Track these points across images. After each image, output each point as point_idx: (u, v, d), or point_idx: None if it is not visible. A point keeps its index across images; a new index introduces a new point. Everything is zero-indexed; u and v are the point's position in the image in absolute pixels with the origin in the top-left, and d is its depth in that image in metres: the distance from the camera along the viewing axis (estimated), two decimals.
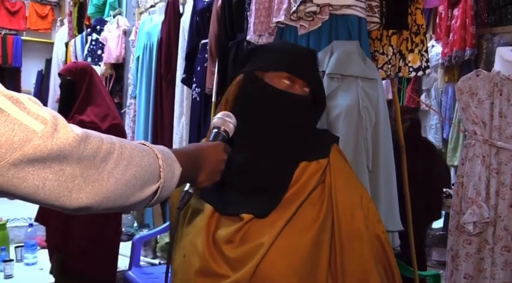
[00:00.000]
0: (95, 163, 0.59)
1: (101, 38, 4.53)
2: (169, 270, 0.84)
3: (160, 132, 3.43)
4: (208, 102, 2.74)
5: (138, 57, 3.73)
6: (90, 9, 5.06)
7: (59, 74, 2.26)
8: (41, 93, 6.93)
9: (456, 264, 2.10)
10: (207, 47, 2.70)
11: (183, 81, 3.01)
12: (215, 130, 0.89)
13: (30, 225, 3.68)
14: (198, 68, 2.84)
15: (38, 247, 3.55)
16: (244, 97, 0.98)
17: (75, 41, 5.42)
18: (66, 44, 5.80)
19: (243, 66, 1.03)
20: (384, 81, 1.93)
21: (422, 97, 4.05)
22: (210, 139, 0.88)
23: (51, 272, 2.25)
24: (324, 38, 1.73)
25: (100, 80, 2.32)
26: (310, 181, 0.95)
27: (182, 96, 3.10)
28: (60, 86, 2.26)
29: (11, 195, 0.55)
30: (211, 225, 0.92)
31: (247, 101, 0.98)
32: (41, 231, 3.30)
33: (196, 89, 2.85)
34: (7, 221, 3.76)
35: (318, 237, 0.90)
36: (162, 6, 3.60)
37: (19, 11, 7.43)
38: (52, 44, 6.83)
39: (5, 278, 3.16)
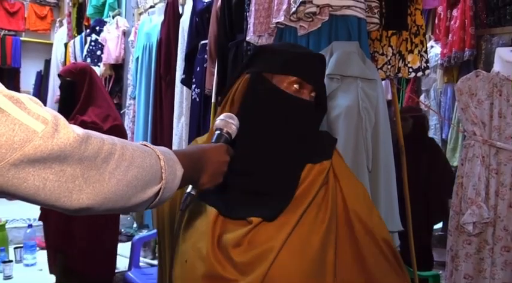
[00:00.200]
0: (95, 163, 0.59)
1: (100, 39, 4.53)
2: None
3: (160, 133, 3.43)
4: (207, 103, 2.74)
5: (138, 57, 3.73)
6: (89, 10, 5.06)
7: (59, 75, 2.26)
8: (40, 93, 6.92)
9: (456, 264, 2.10)
10: (207, 48, 2.70)
11: (183, 82, 3.01)
12: (217, 132, 0.88)
13: (30, 226, 3.67)
14: (198, 69, 2.84)
15: (37, 248, 3.55)
16: (250, 98, 0.97)
17: (74, 42, 5.42)
18: (65, 45, 5.80)
19: (248, 66, 1.00)
20: (383, 82, 1.93)
21: (422, 97, 4.06)
22: (213, 140, 0.87)
23: (52, 272, 2.25)
24: (324, 38, 1.73)
25: (100, 81, 2.32)
26: (315, 183, 0.94)
27: (182, 97, 3.10)
28: (60, 87, 2.26)
29: (12, 195, 0.54)
30: (216, 228, 0.90)
31: (253, 102, 0.96)
32: (40, 232, 3.30)
33: (196, 90, 2.85)
34: (6, 222, 3.76)
35: (325, 238, 0.89)
36: (161, 6, 3.60)
37: (18, 12, 7.43)
38: (51, 44, 6.83)
39: (5, 279, 3.16)
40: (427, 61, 1.93)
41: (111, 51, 4.31)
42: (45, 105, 0.57)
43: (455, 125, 3.49)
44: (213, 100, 2.60)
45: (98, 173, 0.59)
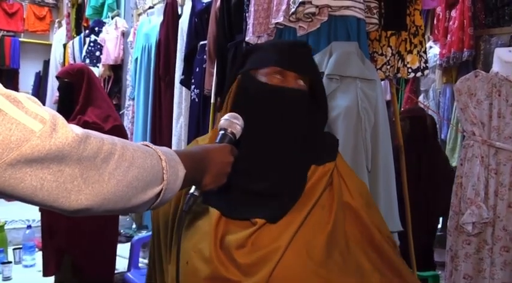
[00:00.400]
0: (95, 164, 0.58)
1: (99, 40, 4.52)
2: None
3: (159, 134, 3.43)
4: (207, 104, 2.74)
5: (137, 58, 3.73)
6: (88, 11, 5.06)
7: (57, 77, 2.27)
8: (38, 94, 6.91)
9: (455, 264, 2.10)
10: (206, 48, 2.70)
11: (182, 83, 3.01)
12: (222, 132, 0.87)
13: (29, 227, 3.67)
14: (197, 69, 2.84)
15: (36, 249, 3.54)
16: (242, 97, 0.98)
17: (73, 43, 5.41)
18: (64, 46, 5.80)
19: (240, 67, 1.02)
20: (382, 82, 1.93)
21: (421, 98, 4.06)
22: (217, 141, 0.86)
23: (48, 275, 2.24)
24: (323, 39, 1.73)
25: (98, 81, 2.33)
26: (319, 184, 0.94)
27: (181, 98, 3.10)
28: (59, 89, 2.26)
29: (9, 196, 0.53)
30: (219, 229, 0.89)
31: (244, 101, 0.98)
32: (39, 233, 3.29)
33: (195, 90, 2.85)
34: (5, 223, 3.75)
35: (331, 239, 0.89)
36: (160, 7, 3.60)
37: (17, 13, 7.42)
38: (50, 45, 6.83)
39: (4, 280, 3.15)
40: (426, 61, 1.93)
41: (110, 51, 4.31)
42: (44, 106, 0.56)
43: (454, 125, 3.49)
44: (212, 100, 2.60)
45: (98, 174, 0.58)
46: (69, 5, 6.00)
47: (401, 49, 1.92)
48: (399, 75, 1.94)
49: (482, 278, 2.02)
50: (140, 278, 2.63)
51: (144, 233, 3.55)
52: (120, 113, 4.13)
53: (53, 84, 5.72)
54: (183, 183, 0.71)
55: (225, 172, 0.81)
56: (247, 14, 2.09)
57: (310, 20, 1.72)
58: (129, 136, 3.80)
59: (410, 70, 1.92)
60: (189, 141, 2.93)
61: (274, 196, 0.92)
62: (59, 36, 6.30)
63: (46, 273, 2.24)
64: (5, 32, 7.25)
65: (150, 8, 3.89)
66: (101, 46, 4.47)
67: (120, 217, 3.01)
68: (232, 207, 0.91)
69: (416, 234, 2.08)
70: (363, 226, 0.95)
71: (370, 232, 0.95)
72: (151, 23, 3.66)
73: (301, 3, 1.67)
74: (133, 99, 3.88)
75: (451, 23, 3.67)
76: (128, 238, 3.60)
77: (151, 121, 3.50)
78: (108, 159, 0.59)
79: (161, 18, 3.44)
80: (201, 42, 2.82)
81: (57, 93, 2.43)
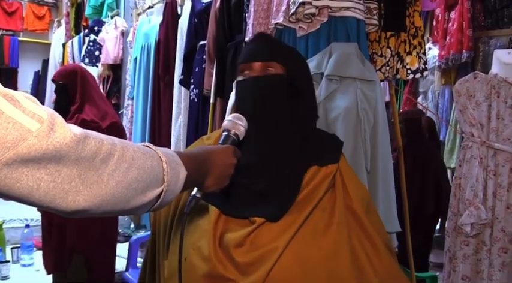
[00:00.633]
0: (93, 164, 0.57)
1: (98, 39, 4.52)
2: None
3: (158, 133, 3.42)
4: (206, 103, 2.73)
5: (136, 58, 3.72)
6: (87, 10, 5.05)
7: (52, 80, 2.30)
8: (37, 94, 6.91)
9: (454, 266, 2.10)
10: (205, 48, 2.70)
11: (181, 82, 3.01)
12: (225, 133, 0.87)
13: (27, 226, 3.66)
14: (196, 69, 2.84)
15: (35, 249, 3.53)
16: (236, 101, 1.02)
17: (72, 42, 5.41)
18: (64, 45, 5.79)
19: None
20: (381, 83, 1.93)
21: (419, 99, 4.07)
22: (220, 142, 0.86)
23: (51, 273, 2.24)
24: (323, 39, 1.73)
25: (93, 79, 2.33)
26: (321, 186, 0.94)
27: (180, 97, 3.10)
28: (55, 91, 2.29)
29: (4, 196, 0.53)
30: (218, 227, 0.89)
31: (236, 103, 1.01)
32: (37, 232, 3.29)
33: (194, 90, 2.85)
34: (3, 222, 3.74)
35: (335, 243, 0.88)
36: (160, 7, 3.59)
37: (16, 12, 7.41)
38: (49, 44, 6.82)
39: (2, 279, 3.14)
40: (425, 63, 1.94)
41: (110, 51, 4.31)
42: (42, 105, 0.56)
43: (453, 126, 3.49)
44: (211, 100, 2.60)
45: (96, 174, 0.57)
46: (68, 4, 5.99)
47: (401, 50, 1.92)
48: (398, 76, 1.94)
49: (481, 279, 2.02)
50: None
51: (142, 233, 3.54)
52: (119, 112, 4.13)
53: (51, 84, 5.68)
54: (184, 185, 0.70)
55: (227, 174, 0.80)
56: (247, 14, 2.09)
57: (310, 20, 1.72)
58: (128, 136, 3.80)
59: (409, 71, 1.92)
60: (187, 141, 2.93)
61: (270, 195, 0.92)
62: (58, 36, 6.29)
63: (51, 271, 2.26)
64: (4, 31, 7.25)
65: (149, 7, 3.89)
66: (100, 45, 4.47)
67: (119, 217, 3.01)
68: (232, 205, 0.91)
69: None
70: (363, 230, 0.95)
71: (372, 237, 0.94)
72: (150, 23, 3.66)
73: (301, 4, 1.67)
74: (132, 98, 3.88)
75: (450, 24, 3.68)
76: (127, 238, 3.60)
77: (151, 121, 3.50)
78: (107, 160, 0.58)
79: (161, 18, 3.44)
80: (201, 42, 2.82)
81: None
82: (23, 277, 3.24)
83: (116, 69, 4.44)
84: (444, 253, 2.18)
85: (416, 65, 1.91)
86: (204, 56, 2.73)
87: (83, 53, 4.68)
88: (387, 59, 1.89)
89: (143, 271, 1.10)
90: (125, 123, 3.97)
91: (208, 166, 0.77)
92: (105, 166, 0.58)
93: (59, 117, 0.55)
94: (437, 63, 3.82)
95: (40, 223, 2.39)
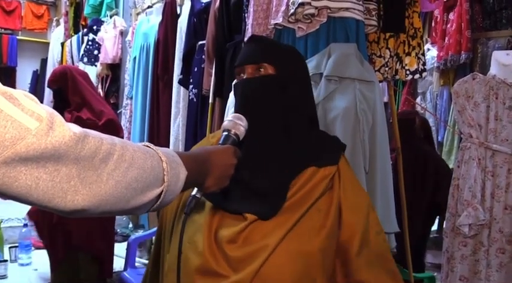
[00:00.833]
0: (93, 164, 0.56)
1: (97, 38, 4.51)
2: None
3: (157, 133, 3.42)
4: (205, 103, 2.73)
5: (135, 57, 3.72)
6: (86, 10, 5.05)
7: (48, 87, 2.34)
8: (36, 93, 6.90)
9: (451, 266, 2.11)
10: (204, 48, 2.70)
11: (180, 82, 3.01)
12: (225, 133, 0.87)
13: (25, 225, 3.65)
14: (195, 69, 2.84)
15: (33, 248, 3.53)
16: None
17: (71, 41, 5.40)
18: (62, 44, 5.78)
19: None
20: (380, 84, 1.94)
21: (418, 100, 4.07)
22: (220, 142, 0.86)
23: (55, 270, 2.25)
24: (322, 40, 1.73)
25: (85, 77, 2.33)
26: (318, 187, 0.94)
27: (179, 97, 3.10)
28: (53, 97, 2.33)
29: (3, 194, 0.52)
30: (213, 222, 0.90)
31: (235, 105, 1.03)
32: (35, 232, 3.28)
33: (193, 90, 2.85)
34: (1, 221, 3.73)
35: (326, 244, 0.89)
36: (159, 7, 3.59)
37: (15, 11, 7.40)
38: (48, 43, 6.81)
39: None
40: (424, 63, 1.94)
41: (108, 50, 4.30)
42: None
43: (451, 127, 3.50)
44: (210, 100, 2.60)
45: (95, 174, 0.57)
46: (67, 3, 5.99)
47: (400, 51, 1.92)
48: (397, 77, 1.95)
49: (478, 280, 2.03)
50: (136, 277, 2.62)
51: (140, 232, 3.54)
52: (118, 112, 4.13)
53: None
54: (184, 185, 0.70)
55: (227, 174, 0.80)
56: (246, 15, 2.10)
57: (309, 21, 1.72)
58: (126, 135, 3.80)
59: (408, 72, 1.93)
60: (186, 140, 2.93)
61: (263, 193, 0.92)
62: (56, 35, 6.28)
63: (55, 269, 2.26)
64: (2, 29, 7.24)
65: (148, 7, 3.89)
66: (99, 45, 4.46)
67: (117, 216, 3.01)
68: (227, 201, 0.92)
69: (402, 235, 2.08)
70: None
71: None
72: (150, 23, 3.65)
73: (301, 4, 1.68)
74: (131, 98, 3.87)
75: (448, 25, 3.69)
76: (125, 238, 3.60)
77: (149, 120, 3.49)
78: (106, 160, 0.58)
79: (160, 17, 3.43)
80: (200, 42, 2.82)
81: None
82: (20, 276, 3.23)
83: (114, 69, 4.44)
84: (442, 253, 2.19)
85: (415, 66, 1.92)
86: (203, 56, 2.73)
87: (81, 52, 4.67)
88: (386, 60, 1.90)
89: (146, 271, 1.13)
90: (124, 122, 3.97)
91: (209, 166, 0.77)
92: (104, 166, 0.58)
93: (58, 116, 0.54)
94: (435, 64, 3.83)
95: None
